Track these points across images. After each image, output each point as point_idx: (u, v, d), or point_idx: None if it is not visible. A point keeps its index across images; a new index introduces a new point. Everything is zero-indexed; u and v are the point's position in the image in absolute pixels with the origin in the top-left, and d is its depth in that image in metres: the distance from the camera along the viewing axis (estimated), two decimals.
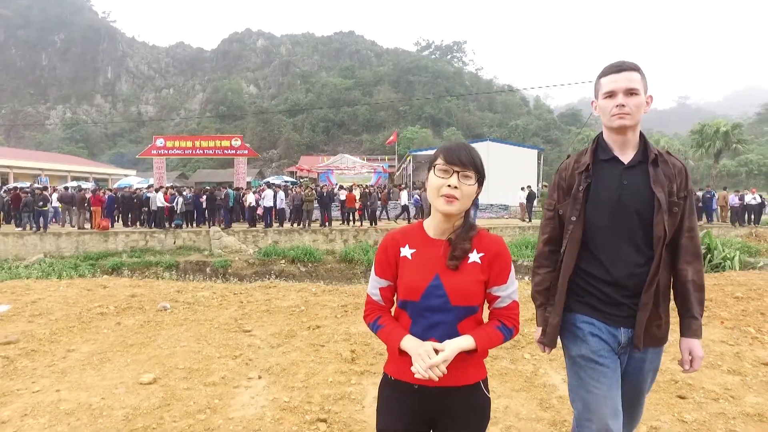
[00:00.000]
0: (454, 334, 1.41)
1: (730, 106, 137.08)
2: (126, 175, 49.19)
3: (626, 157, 1.76)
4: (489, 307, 1.50)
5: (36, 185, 23.63)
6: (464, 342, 1.38)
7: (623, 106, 1.69)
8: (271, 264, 16.67)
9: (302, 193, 18.57)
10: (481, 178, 1.46)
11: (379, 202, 20.06)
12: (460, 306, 1.43)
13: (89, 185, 28.46)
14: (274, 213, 18.65)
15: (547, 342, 1.86)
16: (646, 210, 1.69)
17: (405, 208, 20.09)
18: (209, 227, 18.45)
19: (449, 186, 1.41)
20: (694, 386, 3.37)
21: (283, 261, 16.77)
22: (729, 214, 21.22)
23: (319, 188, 21.28)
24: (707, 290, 6.45)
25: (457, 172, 1.41)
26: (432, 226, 1.51)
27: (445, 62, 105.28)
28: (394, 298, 1.55)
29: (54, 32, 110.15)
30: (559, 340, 1.87)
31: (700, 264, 1.76)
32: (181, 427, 2.78)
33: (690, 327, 1.74)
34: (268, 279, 11.17)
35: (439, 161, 1.44)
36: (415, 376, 1.34)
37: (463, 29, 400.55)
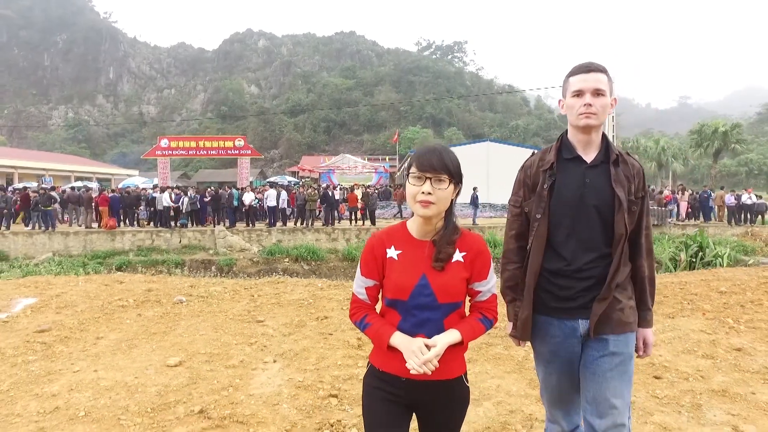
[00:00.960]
0: (441, 329, 1.50)
1: (730, 106, 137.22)
2: (129, 175, 49.53)
3: (589, 156, 1.82)
4: (470, 301, 1.60)
5: (43, 185, 23.97)
6: (452, 336, 1.47)
7: (590, 105, 1.74)
8: (275, 262, 17.04)
9: (305, 193, 18.91)
10: (456, 180, 1.52)
11: (394, 201, 20.38)
12: (447, 303, 1.51)
13: (93, 185, 28.83)
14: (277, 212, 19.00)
15: (519, 335, 1.91)
16: (606, 208, 1.75)
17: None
18: (214, 226, 18.82)
19: (423, 192, 1.47)
20: (669, 368, 3.71)
21: (287, 259, 17.14)
22: (726, 213, 21.53)
23: (323, 188, 21.59)
24: (695, 285, 6.82)
25: (430, 178, 1.47)
26: (415, 227, 1.57)
27: (446, 62, 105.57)
28: (379, 296, 1.61)
29: (56, 33, 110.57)
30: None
31: (652, 260, 1.87)
32: (208, 401, 3.13)
33: (645, 318, 1.85)
34: (276, 275, 11.53)
35: (413, 169, 1.50)
36: (411, 372, 1.41)
37: (463, 29, 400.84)
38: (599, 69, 1.78)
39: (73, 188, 22.00)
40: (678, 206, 21.52)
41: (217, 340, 4.42)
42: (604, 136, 1.84)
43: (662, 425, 2.82)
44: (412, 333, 1.49)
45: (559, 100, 1.92)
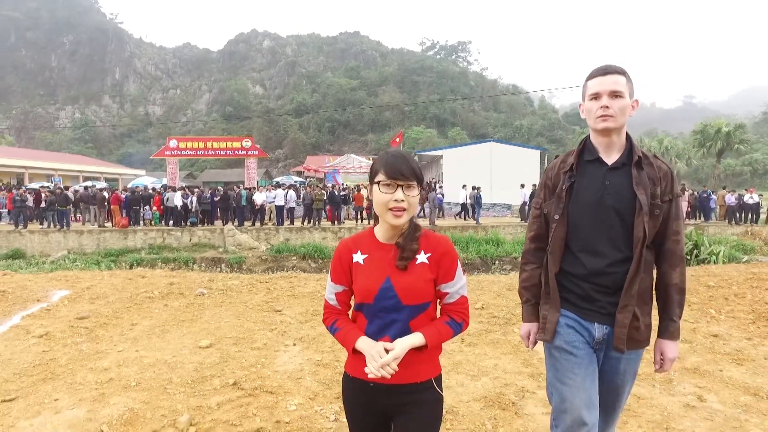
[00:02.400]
0: (407, 331, 1.48)
1: (735, 105, 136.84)
2: (136, 175, 50.16)
3: (611, 158, 1.80)
4: (439, 304, 1.58)
5: (59, 185, 24.55)
6: (414, 339, 1.45)
7: (607, 107, 1.73)
8: (283, 260, 17.49)
9: (312, 192, 19.37)
10: (421, 184, 1.55)
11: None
12: (412, 305, 1.49)
13: (101, 185, 29.40)
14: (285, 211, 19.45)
15: (547, 337, 1.87)
16: (626, 211, 1.72)
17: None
18: (223, 225, 19.29)
19: (396, 200, 1.47)
20: (648, 350, 4.12)
21: (295, 257, 17.59)
22: (726, 212, 21.84)
23: (330, 188, 22.04)
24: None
25: (401, 186, 1.47)
26: (381, 232, 1.58)
27: (450, 62, 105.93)
28: (351, 301, 1.62)
29: (63, 34, 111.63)
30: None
31: (684, 268, 1.79)
32: (239, 376, 3.57)
33: (668, 329, 1.80)
34: (284, 273, 11.98)
35: (381, 176, 1.49)
36: (369, 375, 1.40)
37: (468, 29, 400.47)
38: (617, 71, 1.76)
39: (86, 188, 22.53)
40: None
41: (240, 326, 4.86)
42: (628, 138, 1.81)
43: (636, 395, 3.23)
44: (378, 336, 1.49)
45: (580, 105, 1.91)
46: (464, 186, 21.50)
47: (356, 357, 1.52)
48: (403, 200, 1.46)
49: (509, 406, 3.09)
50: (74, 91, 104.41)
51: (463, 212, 21.69)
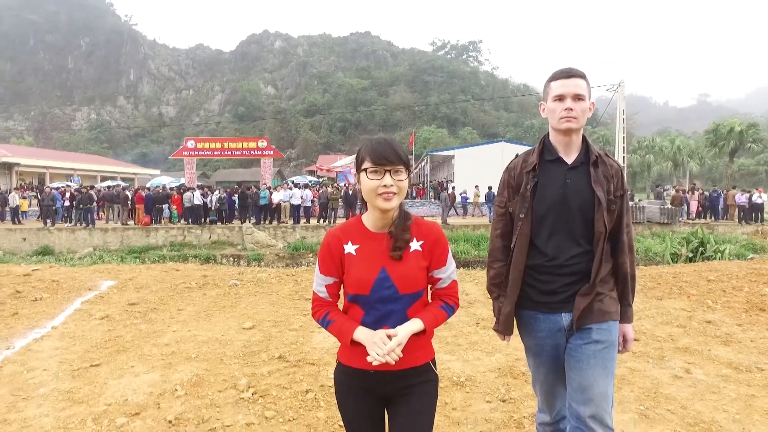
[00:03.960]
0: (405, 320, 1.51)
1: (752, 104, 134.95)
2: (151, 175, 51.22)
3: (570, 158, 1.89)
4: (431, 289, 1.61)
5: (80, 185, 25.40)
6: (414, 325, 1.48)
7: (571, 110, 1.81)
8: (300, 257, 18.08)
9: (328, 192, 19.94)
10: (409, 170, 1.55)
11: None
12: (408, 293, 1.51)
13: (119, 184, 30.25)
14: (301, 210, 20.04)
15: (501, 329, 1.99)
16: (587, 207, 1.83)
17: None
18: (241, 223, 19.94)
19: (384, 186, 1.47)
20: (646, 334, 4.57)
21: (311, 255, 18.16)
22: (736, 212, 22.01)
23: (344, 188, 22.60)
24: (687, 275, 7.66)
25: (388, 171, 1.47)
26: (371, 221, 1.57)
27: (461, 62, 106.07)
28: (340, 293, 1.61)
29: (80, 36, 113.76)
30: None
31: (633, 256, 1.94)
32: (282, 351, 4.09)
33: (626, 314, 1.93)
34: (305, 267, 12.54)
35: (368, 163, 1.49)
36: (373, 363, 1.41)
37: (479, 28, 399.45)
38: (579, 75, 1.86)
39: (109, 187, 23.34)
40: (688, 205, 22.06)
41: (276, 312, 5.39)
42: (584, 138, 1.93)
43: (631, 368, 3.69)
44: (376, 327, 1.50)
45: (540, 104, 1.99)
46: (476, 186, 21.89)
47: (353, 347, 1.51)
48: (392, 185, 1.47)
49: (519, 375, 3.57)
50: (90, 92, 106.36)
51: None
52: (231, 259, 17.81)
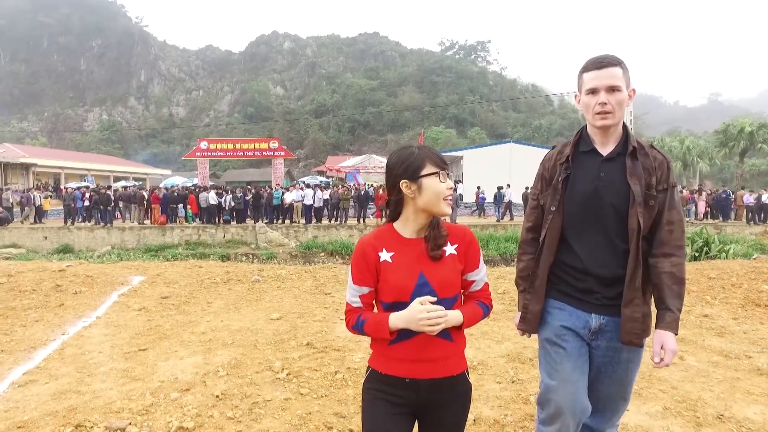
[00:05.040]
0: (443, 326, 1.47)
1: (765, 103, 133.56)
2: (162, 175, 52.01)
3: (606, 149, 1.79)
4: (465, 292, 1.59)
5: (98, 186, 26.03)
6: (455, 313, 1.47)
7: (605, 104, 1.70)
8: (312, 256, 18.49)
9: (339, 192, 20.36)
10: None
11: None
12: (447, 298, 1.50)
13: (135, 184, 30.90)
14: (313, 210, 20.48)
15: (527, 328, 1.92)
16: (621, 202, 1.71)
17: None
18: (254, 223, 20.41)
19: (449, 188, 1.51)
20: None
21: (323, 253, 18.58)
22: (744, 212, 22.13)
23: (355, 188, 23.01)
24: (689, 273, 7.97)
25: (448, 174, 1.54)
26: (406, 227, 1.56)
27: (469, 62, 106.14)
28: (373, 302, 1.58)
29: (92, 38, 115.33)
30: None
31: (680, 257, 1.73)
32: (309, 339, 4.48)
33: (664, 318, 1.72)
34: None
35: (431, 167, 1.50)
36: (425, 329, 1.41)
37: (487, 28, 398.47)
38: (613, 62, 1.73)
39: (125, 187, 23.92)
40: (696, 206, 22.22)
41: (299, 305, 5.78)
42: (624, 128, 1.81)
43: None
44: (416, 335, 1.48)
45: (575, 95, 1.89)
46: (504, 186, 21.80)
47: (385, 354, 1.51)
48: (453, 188, 1.54)
49: (527, 360, 3.93)
50: (102, 93, 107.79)
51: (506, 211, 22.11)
52: (250, 257, 18.27)
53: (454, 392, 1.54)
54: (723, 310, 5.58)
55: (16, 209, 21.69)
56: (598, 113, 1.73)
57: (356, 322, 1.53)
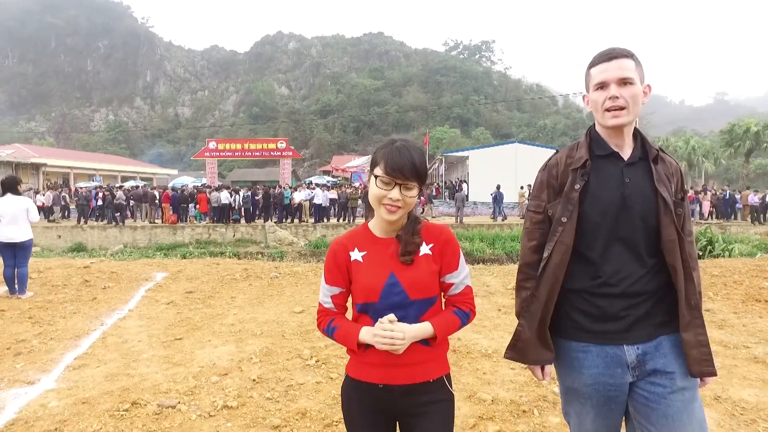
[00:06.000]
0: None
1: None
2: (169, 175, 52.50)
3: (625, 153, 1.59)
4: (444, 296, 1.52)
5: (109, 185, 26.44)
6: (423, 327, 1.40)
7: (617, 98, 1.51)
8: (321, 255, 18.75)
9: (348, 192, 20.68)
10: (423, 184, 1.46)
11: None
12: (419, 299, 1.43)
13: (145, 184, 31.32)
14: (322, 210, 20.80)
15: (515, 356, 1.66)
16: (649, 212, 1.53)
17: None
18: (264, 222, 20.74)
19: (390, 199, 1.39)
20: None
21: None
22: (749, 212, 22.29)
23: (363, 188, 23.33)
24: None
25: (399, 185, 1.39)
26: (378, 227, 1.50)
27: (474, 62, 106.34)
28: (347, 304, 1.54)
29: (98, 39, 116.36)
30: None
31: (698, 271, 1.59)
32: None
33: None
34: None
35: (380, 170, 1.40)
36: (378, 347, 1.36)
37: (491, 28, 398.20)
38: (623, 54, 1.54)
39: (136, 187, 24.32)
40: (700, 206, 22.40)
41: (318, 299, 6.06)
42: (636, 130, 1.63)
43: None
44: None
45: (583, 96, 1.68)
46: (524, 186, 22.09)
47: (362, 359, 1.46)
48: (399, 200, 1.39)
49: None
50: (108, 93, 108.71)
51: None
52: (259, 255, 18.59)
53: (432, 399, 1.46)
54: (724, 305, 5.82)
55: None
56: (609, 109, 1.53)
57: (327, 327, 1.50)
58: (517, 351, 1.65)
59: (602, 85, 1.54)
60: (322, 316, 1.53)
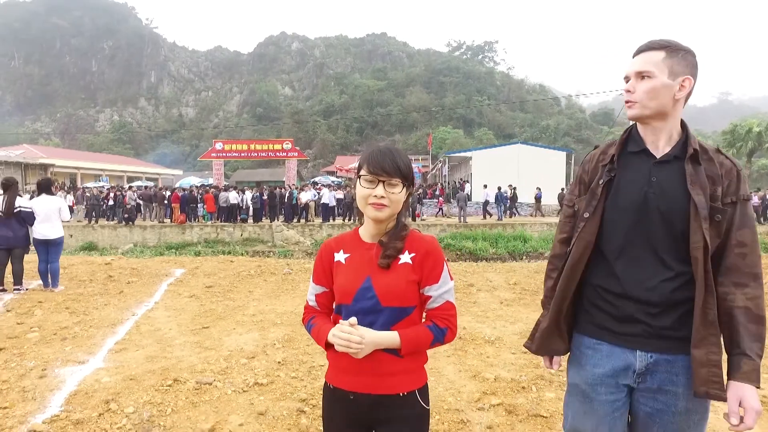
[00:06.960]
0: None
1: None
2: (174, 175, 53.00)
3: (660, 150, 1.52)
4: (425, 310, 1.49)
5: (118, 186, 26.86)
6: (388, 335, 1.38)
7: (629, 92, 1.51)
8: None
9: (353, 192, 21.09)
10: (409, 183, 1.47)
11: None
12: (392, 307, 1.41)
13: (154, 185, 31.78)
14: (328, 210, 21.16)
15: (533, 348, 1.67)
16: (675, 215, 1.44)
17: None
18: (271, 222, 21.13)
19: (375, 196, 1.42)
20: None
21: None
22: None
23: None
24: None
25: (383, 182, 1.42)
26: (366, 231, 1.52)
27: (477, 62, 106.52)
28: (332, 305, 1.55)
29: (103, 40, 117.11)
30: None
31: (756, 289, 1.41)
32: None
33: (740, 367, 1.36)
34: None
35: (364, 171, 1.44)
36: (337, 348, 1.36)
37: (494, 28, 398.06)
38: (651, 47, 1.51)
39: (146, 187, 24.76)
40: None
41: None
42: (684, 127, 1.54)
43: None
44: None
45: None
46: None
47: (333, 364, 1.49)
48: (383, 197, 1.41)
49: None
50: (113, 94, 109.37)
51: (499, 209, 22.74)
52: (267, 254, 18.99)
53: (402, 414, 1.43)
54: None
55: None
56: (626, 102, 1.52)
57: (307, 323, 1.54)
58: (534, 340, 1.66)
59: (626, 79, 1.56)
60: (306, 312, 1.59)
